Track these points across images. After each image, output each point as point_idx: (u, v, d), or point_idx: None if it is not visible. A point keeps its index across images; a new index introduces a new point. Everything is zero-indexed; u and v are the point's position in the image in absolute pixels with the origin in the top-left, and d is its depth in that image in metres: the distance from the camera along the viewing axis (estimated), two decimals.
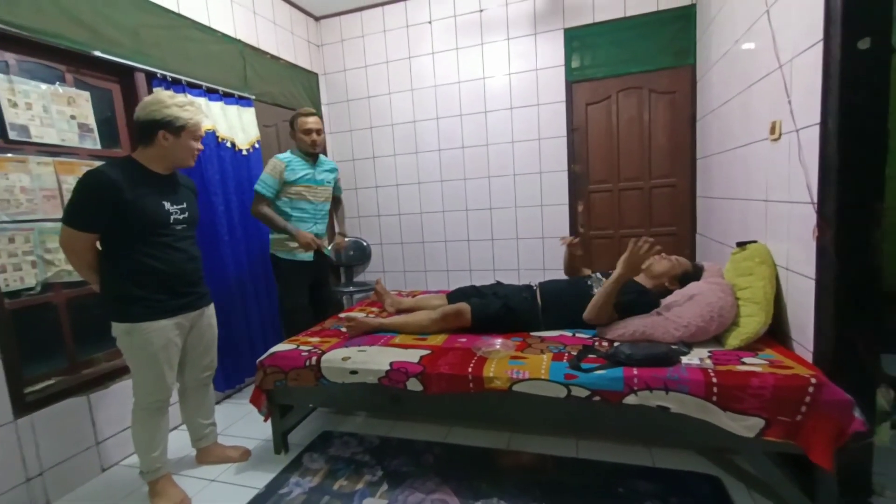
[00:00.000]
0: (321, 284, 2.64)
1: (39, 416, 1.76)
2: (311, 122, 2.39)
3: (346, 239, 2.56)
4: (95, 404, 1.96)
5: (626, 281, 1.83)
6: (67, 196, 1.88)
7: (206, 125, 2.38)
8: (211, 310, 1.87)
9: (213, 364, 1.92)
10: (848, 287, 1.33)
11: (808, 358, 1.46)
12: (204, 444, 1.96)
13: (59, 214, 1.87)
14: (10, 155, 1.76)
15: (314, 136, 2.39)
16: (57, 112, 1.92)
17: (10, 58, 1.77)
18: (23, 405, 1.71)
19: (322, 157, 2.54)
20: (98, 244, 1.58)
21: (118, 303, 1.58)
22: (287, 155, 2.42)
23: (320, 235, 2.52)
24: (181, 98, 1.63)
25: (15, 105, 1.78)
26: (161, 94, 1.61)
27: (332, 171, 2.60)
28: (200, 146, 1.69)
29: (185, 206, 1.69)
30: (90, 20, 1.94)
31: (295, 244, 2.36)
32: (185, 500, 1.70)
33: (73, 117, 1.98)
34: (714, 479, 1.62)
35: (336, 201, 2.73)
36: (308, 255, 2.44)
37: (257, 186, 2.34)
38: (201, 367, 1.86)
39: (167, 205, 1.62)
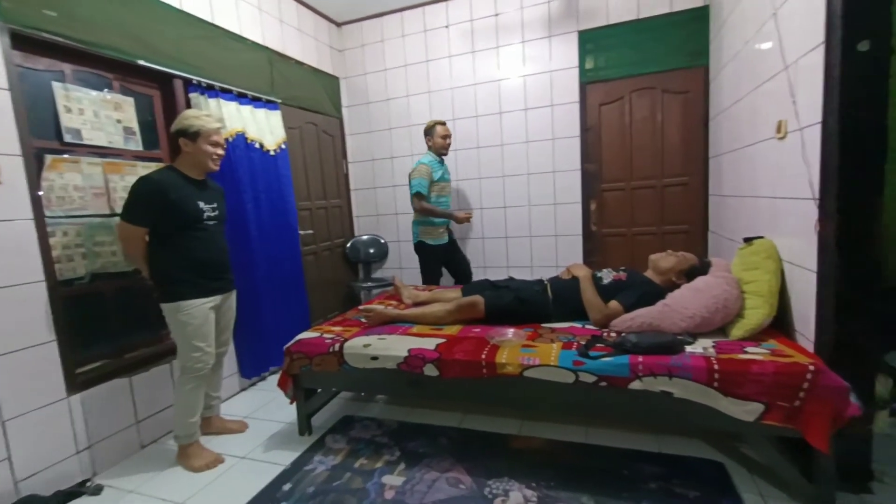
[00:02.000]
0: (457, 258, 3.20)
1: (88, 394, 1.92)
2: (446, 129, 3.05)
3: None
4: (136, 386, 2.12)
5: (588, 279, 2.12)
6: (114, 194, 2.10)
7: (232, 129, 2.55)
8: (234, 295, 2.14)
9: (228, 341, 2.18)
10: (848, 278, 1.39)
11: (810, 348, 1.52)
12: (207, 414, 2.17)
13: (107, 211, 2.08)
14: (65, 156, 1.93)
15: (449, 140, 3.06)
16: (105, 117, 2.09)
17: (67, 68, 1.95)
18: (74, 384, 1.88)
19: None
20: (147, 238, 1.86)
21: (167, 285, 1.85)
22: (428, 159, 3.00)
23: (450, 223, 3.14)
24: (201, 112, 1.94)
25: (69, 110, 1.95)
26: (188, 111, 1.94)
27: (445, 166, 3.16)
28: (219, 151, 1.94)
29: (215, 205, 1.97)
30: (137, 32, 2.12)
31: (441, 230, 3.04)
32: (219, 457, 1.95)
33: (119, 121, 2.16)
34: (717, 464, 1.68)
35: None
36: (444, 239, 3.06)
37: (418, 188, 2.91)
38: (219, 342, 2.11)
39: (201, 204, 1.90)
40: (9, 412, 1.65)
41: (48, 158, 1.86)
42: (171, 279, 1.84)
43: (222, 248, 2.01)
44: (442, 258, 3.10)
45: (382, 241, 3.90)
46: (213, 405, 2.20)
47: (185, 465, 1.92)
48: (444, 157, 3.11)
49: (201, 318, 1.88)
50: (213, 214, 1.94)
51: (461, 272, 3.20)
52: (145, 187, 1.77)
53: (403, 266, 3.89)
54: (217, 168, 1.96)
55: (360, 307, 2.52)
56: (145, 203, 1.77)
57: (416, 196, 2.92)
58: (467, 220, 3.05)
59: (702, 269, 2.00)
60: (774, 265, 1.70)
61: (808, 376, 1.35)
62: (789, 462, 1.47)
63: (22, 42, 1.75)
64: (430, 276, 3.07)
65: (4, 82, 1.66)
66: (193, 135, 1.85)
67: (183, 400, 1.91)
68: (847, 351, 1.41)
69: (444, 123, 3.06)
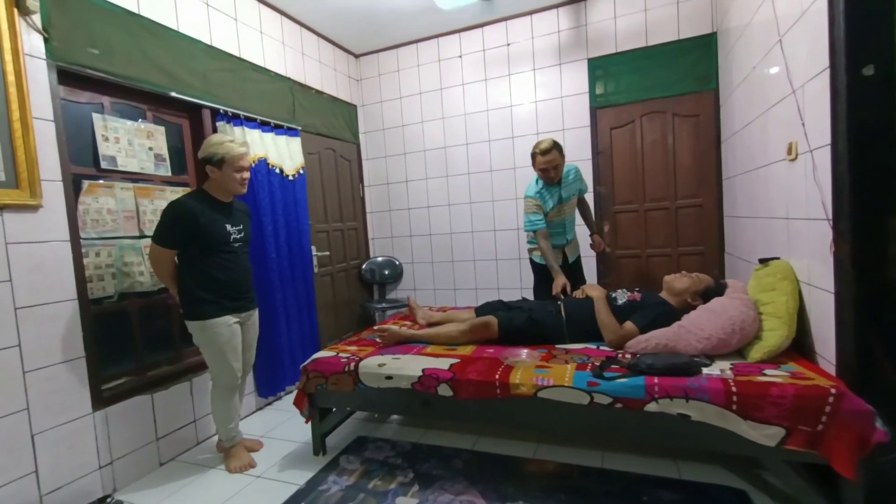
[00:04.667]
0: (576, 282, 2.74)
1: (111, 410, 1.97)
2: (545, 159, 2.48)
3: (603, 234, 2.66)
4: (157, 403, 2.17)
5: (603, 299, 2.09)
6: (144, 217, 2.20)
7: (254, 155, 2.66)
8: (256, 313, 2.21)
9: (251, 359, 2.23)
10: (866, 300, 1.37)
11: (832, 371, 1.49)
12: None
13: (136, 233, 2.18)
14: (101, 181, 2.05)
15: (550, 173, 2.51)
16: (138, 145, 2.22)
17: (105, 100, 2.09)
18: (99, 399, 1.93)
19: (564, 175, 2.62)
20: (175, 259, 1.96)
21: (193, 304, 1.94)
22: (534, 189, 2.60)
23: (572, 241, 2.82)
24: (225, 137, 1.97)
25: (107, 139, 2.08)
26: (213, 136, 1.99)
27: (574, 180, 2.68)
28: (245, 175, 1.99)
29: (241, 227, 2.06)
30: (169, 67, 2.26)
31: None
32: (251, 461, 2.09)
33: (150, 149, 2.28)
34: (740, 492, 1.63)
35: (581, 201, 2.83)
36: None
37: (531, 227, 2.60)
38: (244, 360, 2.14)
39: (228, 227, 1.99)
40: (38, 426, 1.70)
41: (85, 184, 1.98)
42: (196, 299, 1.92)
43: (246, 268, 2.09)
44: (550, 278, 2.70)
45: (397, 262, 3.95)
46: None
47: (226, 465, 2.07)
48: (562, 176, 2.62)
49: (228, 333, 1.96)
50: (239, 237, 2.03)
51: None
52: (176, 212, 1.87)
53: (418, 287, 3.93)
54: (244, 191, 2.03)
55: (375, 327, 2.55)
56: (175, 227, 1.86)
57: (537, 234, 2.60)
58: (558, 291, 2.62)
59: (717, 290, 1.98)
60: (791, 286, 1.69)
61: (830, 399, 1.33)
62: (815, 491, 1.42)
63: (67, 77, 1.89)
64: (538, 293, 2.85)
65: (49, 114, 1.79)
66: (219, 162, 1.92)
67: (217, 409, 2.06)
68: (870, 374, 1.38)
69: (544, 152, 2.47)
